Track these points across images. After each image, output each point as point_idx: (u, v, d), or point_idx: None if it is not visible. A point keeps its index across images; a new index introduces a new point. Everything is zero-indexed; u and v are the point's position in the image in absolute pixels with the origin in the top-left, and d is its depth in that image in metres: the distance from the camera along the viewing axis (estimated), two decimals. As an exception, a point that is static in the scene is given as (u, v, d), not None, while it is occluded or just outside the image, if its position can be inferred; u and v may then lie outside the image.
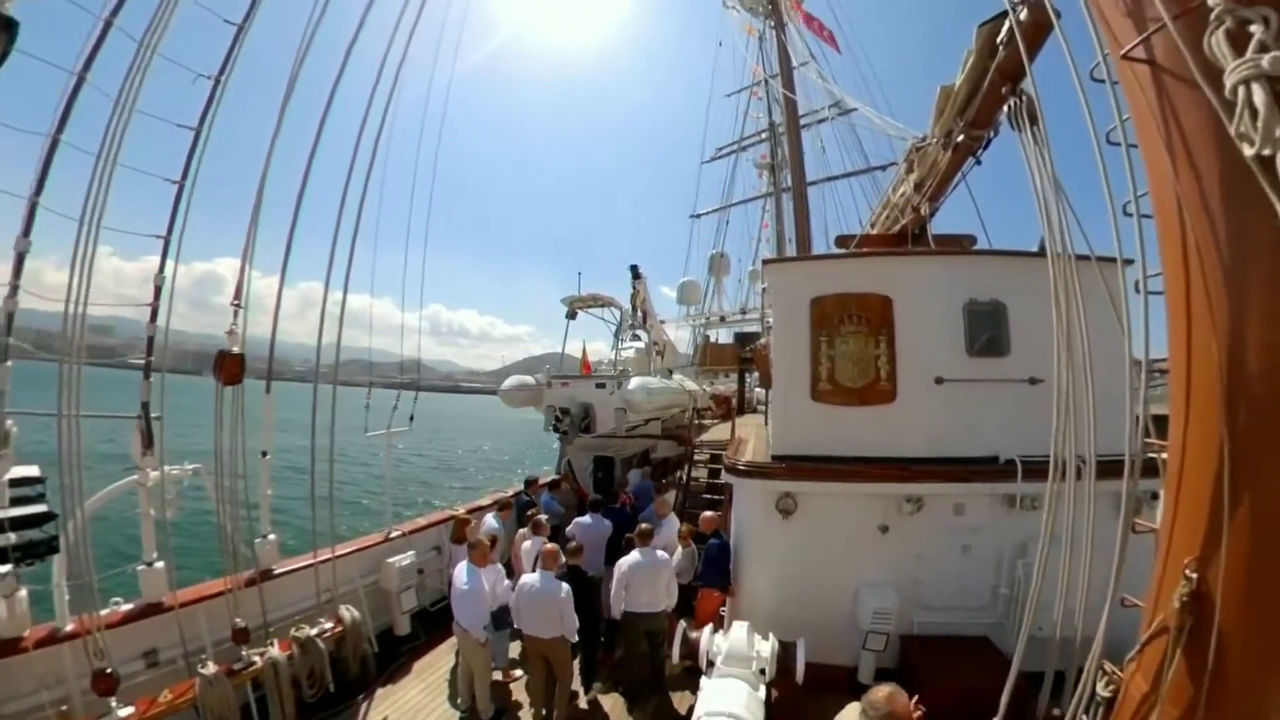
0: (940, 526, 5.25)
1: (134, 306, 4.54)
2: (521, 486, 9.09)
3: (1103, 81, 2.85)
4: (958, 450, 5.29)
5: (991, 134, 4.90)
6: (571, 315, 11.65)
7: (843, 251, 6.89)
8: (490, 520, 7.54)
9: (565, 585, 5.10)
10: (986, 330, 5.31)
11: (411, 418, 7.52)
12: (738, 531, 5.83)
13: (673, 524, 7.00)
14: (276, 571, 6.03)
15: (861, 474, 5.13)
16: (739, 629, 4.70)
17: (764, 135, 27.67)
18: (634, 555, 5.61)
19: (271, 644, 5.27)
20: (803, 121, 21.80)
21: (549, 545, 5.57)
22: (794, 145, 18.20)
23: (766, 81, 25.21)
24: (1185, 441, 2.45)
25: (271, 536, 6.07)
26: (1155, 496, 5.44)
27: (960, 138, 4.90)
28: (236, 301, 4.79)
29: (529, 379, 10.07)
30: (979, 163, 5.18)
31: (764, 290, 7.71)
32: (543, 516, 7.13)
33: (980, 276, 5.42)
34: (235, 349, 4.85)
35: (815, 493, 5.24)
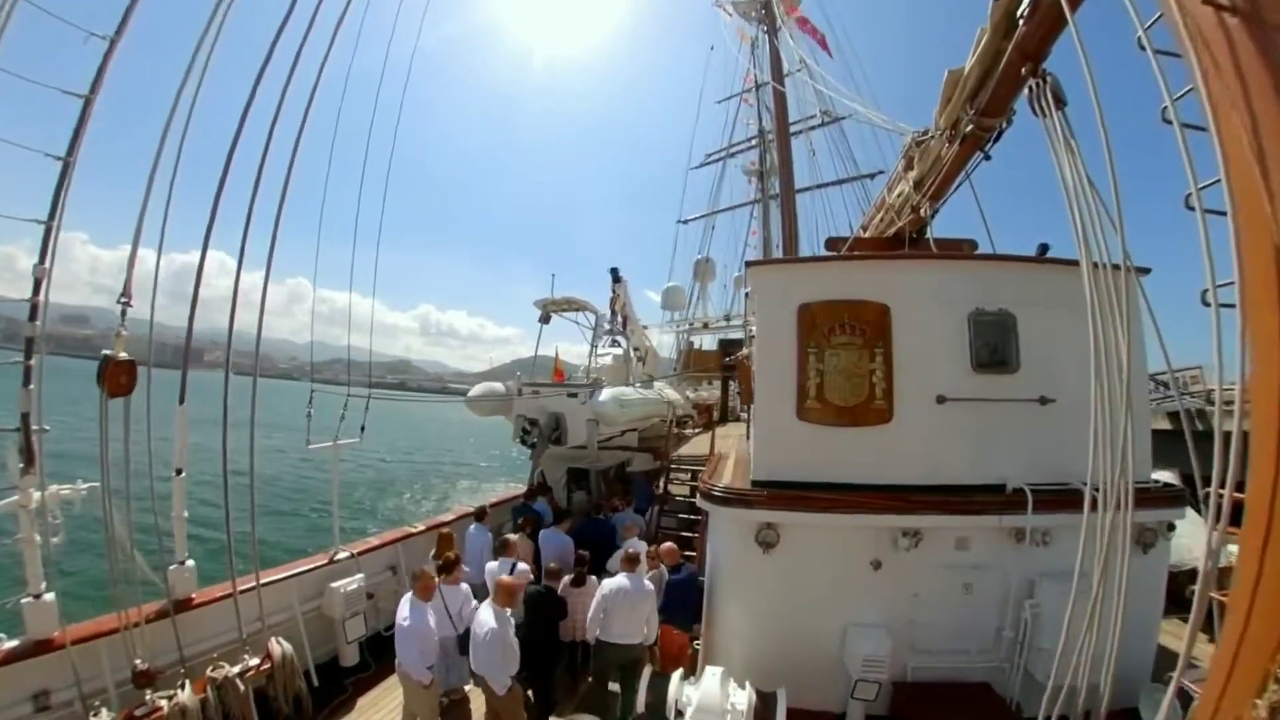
0: (940, 562, 4.70)
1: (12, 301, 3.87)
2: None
3: (1149, 51, 2.35)
4: (960, 477, 4.75)
5: (1004, 124, 4.40)
6: (545, 319, 11.00)
7: (835, 254, 6.34)
8: (472, 531, 7.37)
9: (493, 628, 4.61)
10: (993, 343, 4.80)
11: (363, 428, 6.87)
12: (712, 565, 5.24)
13: (639, 546, 6.61)
14: (195, 601, 5.37)
15: (853, 503, 4.56)
16: (711, 677, 4.14)
17: (754, 141, 27.48)
18: (620, 579, 5.23)
19: (183, 685, 4.62)
20: (794, 128, 21.57)
21: (503, 579, 5.05)
22: (783, 149, 17.89)
23: (758, 87, 24.99)
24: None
25: (189, 563, 5.40)
26: (1171, 528, 5.01)
27: (969, 128, 4.39)
28: (125, 298, 4.07)
29: (498, 386, 9.43)
30: (988, 157, 4.66)
31: (746, 295, 7.22)
32: (512, 537, 6.73)
33: (987, 284, 4.90)
34: (122, 354, 4.13)
35: (800, 524, 4.65)
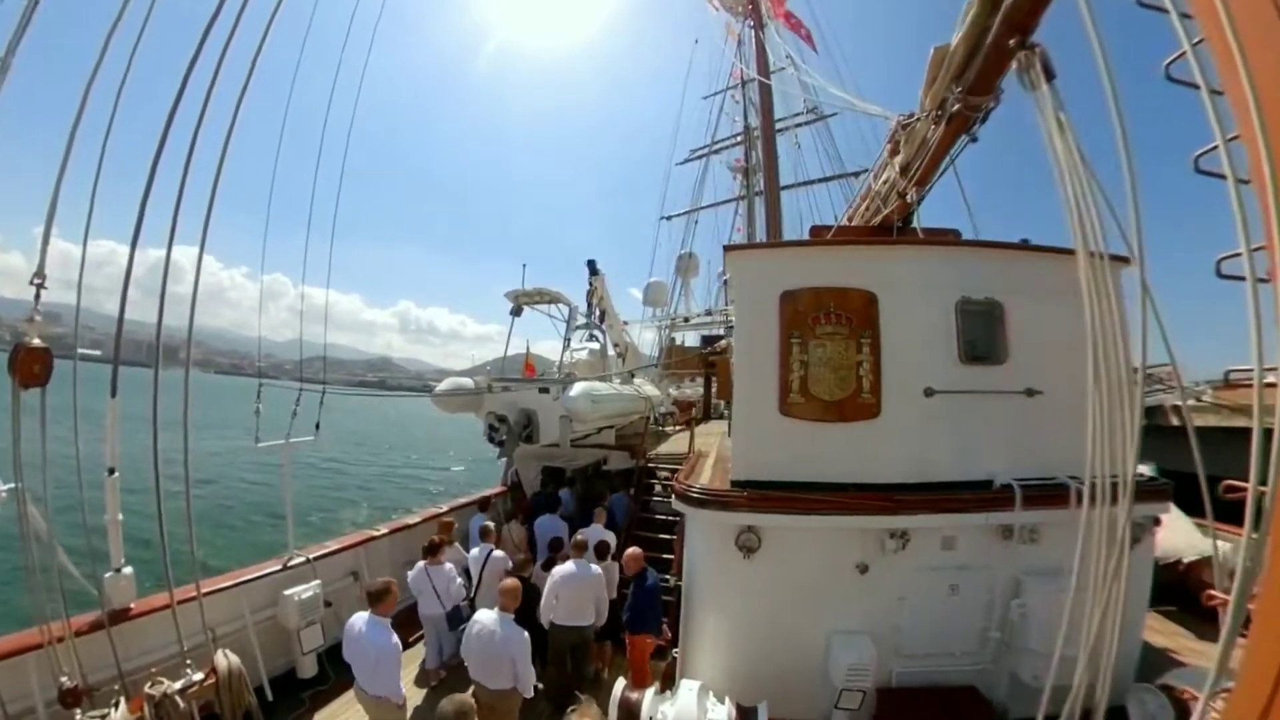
0: (926, 564, 4.49)
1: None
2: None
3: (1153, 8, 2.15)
4: (946, 474, 4.55)
5: (992, 103, 4.18)
6: (516, 311, 10.57)
7: (819, 239, 6.12)
8: (475, 519, 7.62)
9: (524, 635, 4.44)
10: (981, 333, 4.61)
11: (318, 425, 6.50)
12: (690, 570, 4.97)
13: (602, 534, 6.67)
14: (134, 611, 5.05)
15: (839, 504, 4.32)
16: (687, 692, 3.88)
17: (739, 138, 27.27)
18: (568, 565, 5.50)
19: (116, 704, 4.23)
20: (780, 125, 21.45)
21: (509, 582, 4.73)
22: (768, 144, 17.77)
23: (744, 84, 24.85)
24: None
25: (127, 570, 5.04)
26: (1157, 522, 4.87)
27: (956, 108, 4.16)
28: (39, 279, 3.69)
29: (466, 381, 9.07)
30: (974, 139, 4.44)
31: (725, 282, 6.99)
32: (489, 523, 6.96)
33: (975, 271, 4.71)
34: (36, 340, 3.76)
35: (783, 527, 4.41)
